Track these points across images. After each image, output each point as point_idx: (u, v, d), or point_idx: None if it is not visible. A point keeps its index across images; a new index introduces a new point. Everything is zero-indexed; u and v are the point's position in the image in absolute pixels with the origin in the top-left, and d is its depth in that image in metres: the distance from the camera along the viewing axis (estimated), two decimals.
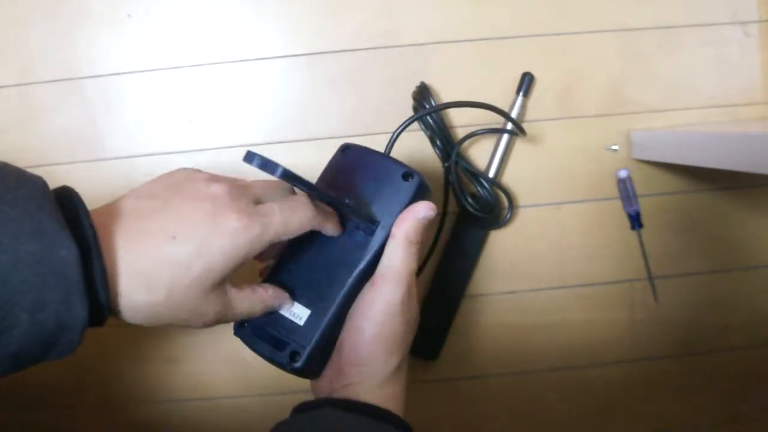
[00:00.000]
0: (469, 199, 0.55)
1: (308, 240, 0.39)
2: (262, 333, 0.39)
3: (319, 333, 0.38)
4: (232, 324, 0.59)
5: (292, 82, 0.57)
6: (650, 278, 0.59)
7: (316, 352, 0.38)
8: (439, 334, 0.58)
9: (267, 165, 0.32)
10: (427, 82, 0.56)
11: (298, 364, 0.37)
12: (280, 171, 0.32)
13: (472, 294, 0.59)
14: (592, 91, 0.58)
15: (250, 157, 0.31)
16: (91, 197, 0.31)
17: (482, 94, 0.57)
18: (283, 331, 0.38)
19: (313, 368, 0.39)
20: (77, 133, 0.56)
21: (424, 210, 0.39)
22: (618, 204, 0.59)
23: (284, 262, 0.41)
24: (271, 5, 0.56)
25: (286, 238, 0.36)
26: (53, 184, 0.32)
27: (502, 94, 0.57)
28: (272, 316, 0.39)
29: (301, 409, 0.38)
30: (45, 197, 0.29)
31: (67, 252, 0.28)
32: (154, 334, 0.58)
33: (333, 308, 0.38)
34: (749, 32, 0.58)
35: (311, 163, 0.58)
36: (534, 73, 0.56)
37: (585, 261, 0.59)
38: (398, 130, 0.47)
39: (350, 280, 0.39)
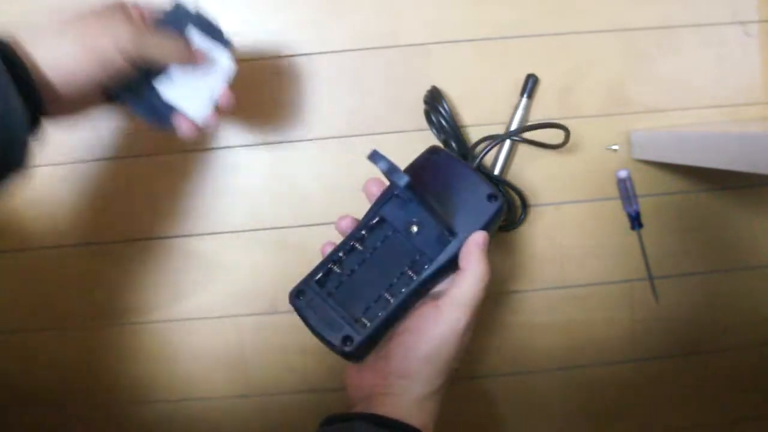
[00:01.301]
0: None
1: (378, 233, 0.42)
2: (320, 309, 0.40)
3: (374, 325, 0.39)
4: (230, 326, 0.59)
5: (292, 82, 0.57)
6: (650, 278, 0.59)
7: (367, 341, 0.39)
8: None
9: (392, 172, 0.33)
10: (429, 82, 0.56)
11: (348, 349, 0.39)
12: (405, 181, 0.33)
13: None
14: (592, 91, 0.58)
15: (375, 158, 0.34)
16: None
17: (483, 93, 0.57)
18: (341, 313, 0.40)
19: (360, 354, 0.40)
20: (78, 132, 0.56)
21: (485, 241, 0.41)
22: (618, 204, 0.59)
23: (353, 250, 0.42)
24: (271, 5, 0.56)
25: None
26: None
27: (502, 92, 0.57)
28: (332, 297, 0.40)
29: (330, 421, 0.38)
30: None
31: None
32: (153, 332, 0.58)
33: (393, 306, 0.40)
34: (749, 32, 0.58)
35: (311, 163, 0.58)
36: (534, 72, 0.56)
37: (585, 261, 0.59)
38: (487, 149, 0.47)
39: (414, 285, 0.40)
